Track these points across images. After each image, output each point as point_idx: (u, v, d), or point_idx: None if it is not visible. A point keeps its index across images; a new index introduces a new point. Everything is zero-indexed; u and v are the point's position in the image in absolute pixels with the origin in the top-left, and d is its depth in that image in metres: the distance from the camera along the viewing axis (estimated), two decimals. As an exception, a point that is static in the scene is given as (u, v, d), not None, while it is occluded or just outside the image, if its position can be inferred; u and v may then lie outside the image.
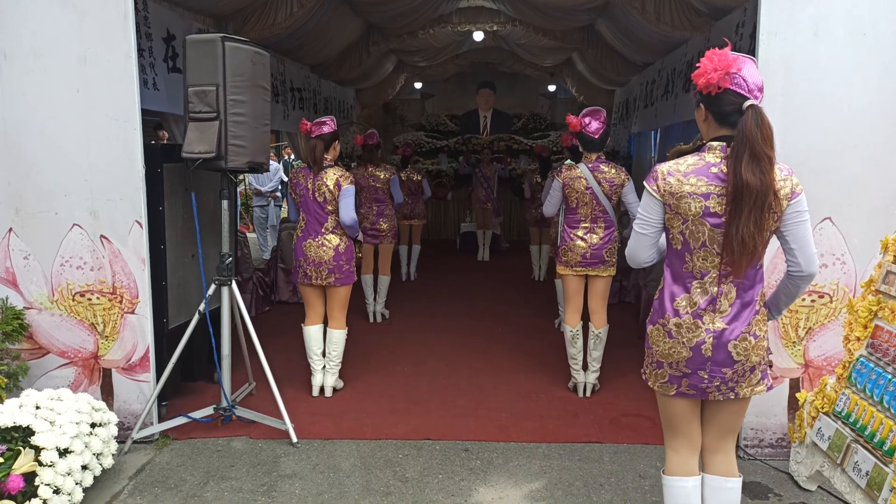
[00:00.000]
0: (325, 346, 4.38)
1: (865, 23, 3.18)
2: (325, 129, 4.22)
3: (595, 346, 4.30)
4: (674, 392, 2.25)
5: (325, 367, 4.38)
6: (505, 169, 10.90)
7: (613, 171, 4.17)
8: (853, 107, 3.21)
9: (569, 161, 4.95)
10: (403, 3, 7.66)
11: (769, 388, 2.30)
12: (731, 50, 2.09)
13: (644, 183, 2.22)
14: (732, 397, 2.23)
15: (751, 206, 2.02)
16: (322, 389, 4.37)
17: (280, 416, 3.72)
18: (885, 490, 2.50)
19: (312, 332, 4.33)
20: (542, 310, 6.53)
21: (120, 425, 3.41)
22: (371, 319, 6.33)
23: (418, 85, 13.18)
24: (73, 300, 3.68)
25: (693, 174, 2.12)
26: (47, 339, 3.71)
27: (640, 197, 2.37)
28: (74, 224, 3.62)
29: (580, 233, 4.19)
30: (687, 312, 2.17)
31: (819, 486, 3.10)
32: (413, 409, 4.13)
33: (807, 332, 3.39)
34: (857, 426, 2.80)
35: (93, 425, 3.19)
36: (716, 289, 2.15)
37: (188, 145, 3.53)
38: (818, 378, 3.37)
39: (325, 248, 4.20)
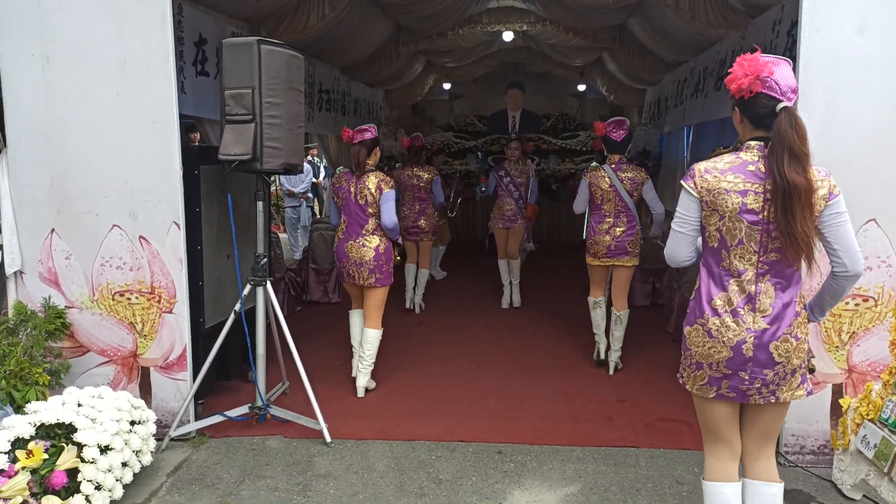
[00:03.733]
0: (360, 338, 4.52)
1: (912, 19, 3.09)
2: (367, 136, 4.41)
3: (616, 328, 4.77)
4: (713, 395, 2.22)
5: (359, 370, 4.45)
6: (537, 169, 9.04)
7: (633, 171, 4.71)
8: (899, 105, 3.13)
9: (594, 163, 5.69)
10: (433, 4, 7.66)
11: (809, 393, 2.27)
12: (765, 52, 2.10)
13: (682, 182, 2.24)
14: (773, 401, 2.19)
15: (801, 204, 2.04)
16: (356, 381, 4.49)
17: (314, 416, 3.74)
18: (935, 500, 2.43)
19: (357, 317, 4.62)
20: (574, 313, 6.47)
21: (158, 423, 3.46)
22: (408, 306, 6.73)
23: (447, 86, 13.19)
24: (113, 299, 3.75)
25: (730, 171, 2.14)
26: (88, 338, 3.78)
27: (666, 200, 2.44)
28: (114, 225, 3.69)
29: (605, 227, 4.69)
30: (726, 311, 2.16)
31: (864, 496, 3.01)
32: (445, 410, 4.13)
33: (850, 337, 3.31)
34: (905, 434, 2.72)
35: (132, 423, 3.24)
36: (753, 287, 2.14)
37: (225, 147, 3.57)
38: (862, 384, 3.29)
39: (366, 248, 4.32)
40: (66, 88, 3.61)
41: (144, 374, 3.81)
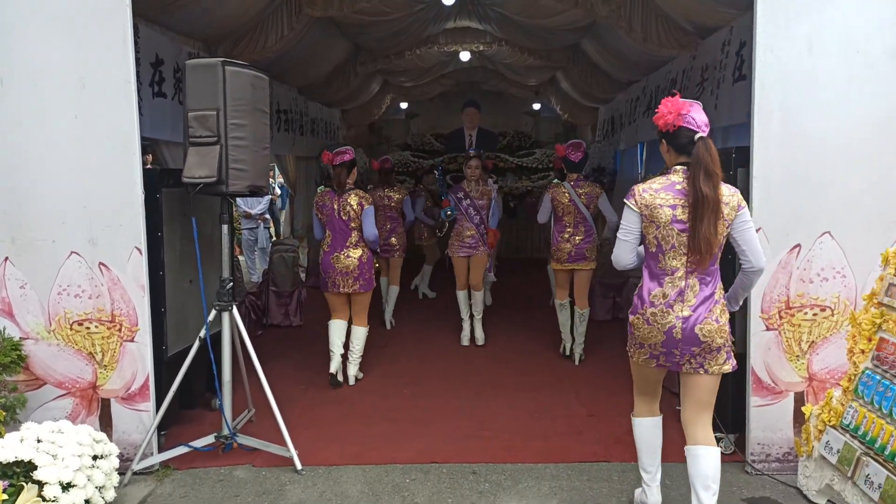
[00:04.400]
0: (347, 340, 5.02)
1: (858, 39, 3.26)
2: (346, 158, 4.92)
3: (579, 324, 5.47)
4: (654, 365, 2.81)
5: (343, 354, 4.98)
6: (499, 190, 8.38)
7: (590, 187, 5.40)
8: (849, 120, 3.28)
9: (556, 180, 6.13)
10: (391, 25, 7.72)
11: (734, 368, 2.78)
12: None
13: (624, 200, 2.79)
14: (702, 372, 2.72)
15: (709, 213, 2.59)
16: (336, 374, 4.96)
17: (283, 443, 3.66)
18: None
19: (337, 324, 5.00)
20: (540, 328, 6.52)
21: (119, 456, 3.33)
22: (388, 326, 6.86)
23: (404, 105, 13.24)
24: (71, 329, 3.62)
25: (662, 190, 2.71)
26: (44, 370, 3.63)
27: (619, 212, 2.94)
28: (72, 252, 3.57)
29: (566, 236, 5.35)
30: (661, 303, 2.70)
31: (829, 500, 3.10)
32: (417, 432, 4.10)
33: (809, 346, 3.43)
34: (867, 439, 2.82)
35: (94, 458, 3.11)
36: (683, 283, 2.69)
37: (188, 170, 3.51)
38: (823, 391, 3.40)
39: (350, 259, 4.87)
40: (20, 112, 3.49)
41: (105, 406, 3.67)
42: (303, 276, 8.80)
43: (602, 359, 5.44)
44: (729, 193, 2.66)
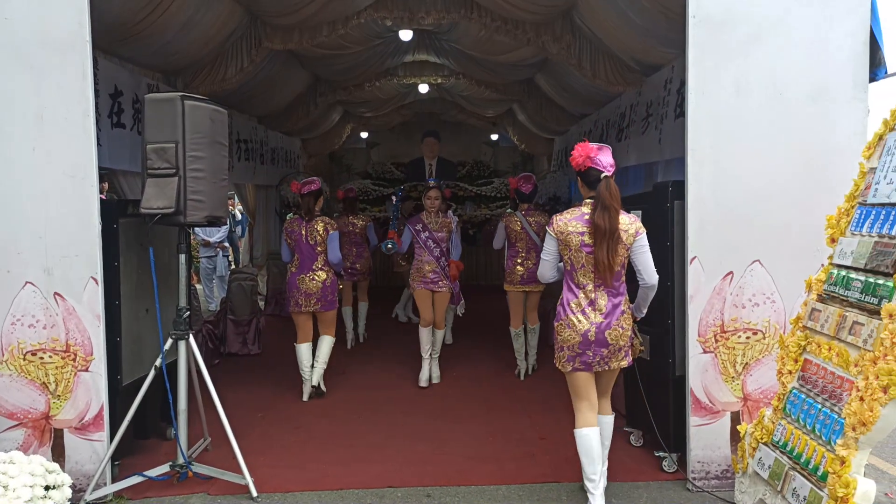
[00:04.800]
0: (313, 357, 5.40)
1: (780, 83, 3.53)
2: (314, 187, 5.36)
3: (531, 337, 5.96)
4: (570, 368, 3.31)
5: (312, 369, 5.38)
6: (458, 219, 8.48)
7: (540, 216, 5.74)
8: (774, 158, 3.53)
9: (509, 210, 6.71)
10: (350, 58, 7.90)
11: (630, 364, 3.42)
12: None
13: (546, 227, 3.37)
14: (607, 368, 3.33)
15: (606, 239, 3.16)
16: (311, 395, 5.40)
17: (239, 470, 3.69)
18: (821, 512, 2.70)
19: (303, 349, 5.37)
20: (496, 353, 6.65)
21: (72, 487, 3.31)
22: (350, 346, 7.21)
23: (364, 134, 13.41)
24: (25, 359, 3.61)
25: (573, 220, 3.28)
26: (-5, 401, 3.61)
27: None
28: (27, 282, 3.58)
29: (518, 260, 5.74)
30: (578, 310, 3.27)
31: (763, 514, 3.28)
32: (373, 457, 4.16)
33: (744, 368, 3.63)
34: (794, 454, 3.01)
35: (47, 488, 3.11)
36: (593, 295, 3.27)
37: (146, 201, 3.57)
38: (756, 410, 3.60)
39: (314, 281, 5.26)
40: (-24, 143, 3.52)
41: (57, 436, 3.66)
42: (262, 304, 8.80)
43: (554, 382, 5.57)
44: (628, 222, 3.23)
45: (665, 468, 3.86)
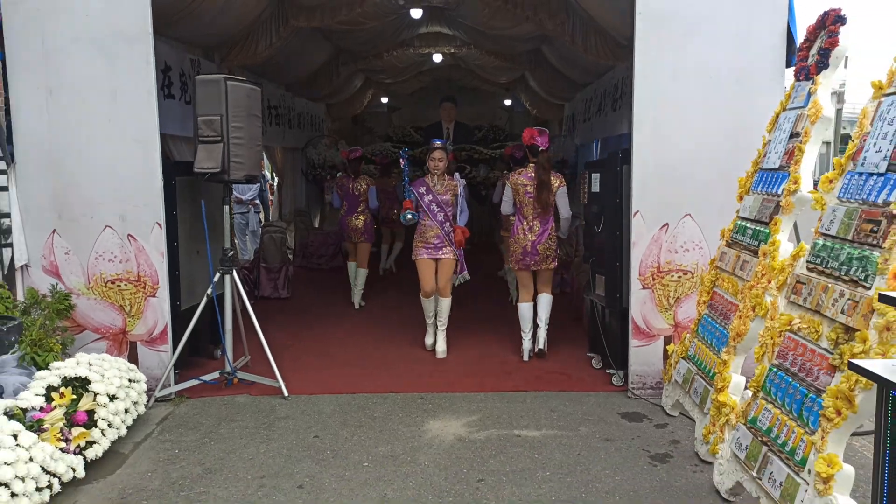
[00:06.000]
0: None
1: (710, 68, 4.28)
2: (357, 154, 7.58)
3: (542, 310, 5.47)
4: (517, 267, 5.38)
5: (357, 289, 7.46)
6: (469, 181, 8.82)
7: (554, 177, 5.35)
8: (704, 130, 4.31)
9: (507, 172, 6.74)
10: (369, 32, 8.66)
11: (555, 266, 5.40)
12: None
13: (505, 180, 5.38)
14: (543, 268, 5.31)
15: (543, 190, 5.17)
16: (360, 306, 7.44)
17: (274, 377, 4.67)
18: (707, 402, 3.58)
19: (352, 266, 7.55)
20: (492, 296, 7.56)
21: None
22: (356, 307, 7.49)
23: (385, 99, 14.15)
24: (106, 286, 4.60)
25: (522, 177, 5.27)
26: (84, 319, 4.62)
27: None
28: (107, 226, 4.54)
29: (525, 227, 5.36)
30: (522, 232, 5.27)
31: (680, 413, 4.16)
32: (381, 373, 5.13)
33: (675, 301, 4.48)
34: (700, 364, 3.88)
35: (130, 381, 4.12)
36: (532, 223, 5.26)
37: (199, 163, 4.49)
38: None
39: (358, 220, 7.38)
40: (65, 115, 4.45)
41: (132, 347, 4.66)
42: (290, 256, 9.79)
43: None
44: (556, 179, 5.29)
45: (614, 382, 4.75)
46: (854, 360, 2.11)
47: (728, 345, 3.53)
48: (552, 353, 5.50)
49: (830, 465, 2.38)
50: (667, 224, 4.41)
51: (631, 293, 4.48)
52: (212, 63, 6.77)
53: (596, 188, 4.91)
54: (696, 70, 4.28)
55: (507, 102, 14.36)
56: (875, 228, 2.52)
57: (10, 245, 4.50)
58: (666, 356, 4.43)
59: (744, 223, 3.80)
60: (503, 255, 7.50)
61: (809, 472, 2.48)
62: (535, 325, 5.43)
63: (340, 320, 6.83)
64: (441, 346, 5.62)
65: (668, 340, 4.50)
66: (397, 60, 10.59)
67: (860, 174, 2.72)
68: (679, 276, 4.45)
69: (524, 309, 5.43)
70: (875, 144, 2.67)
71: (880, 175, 2.58)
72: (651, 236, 4.41)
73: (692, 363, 3.96)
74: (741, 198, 3.96)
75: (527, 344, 5.43)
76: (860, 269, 2.53)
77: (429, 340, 5.79)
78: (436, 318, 5.69)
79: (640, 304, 4.47)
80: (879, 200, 2.55)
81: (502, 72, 11.47)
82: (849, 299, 2.53)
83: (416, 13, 7.81)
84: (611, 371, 4.80)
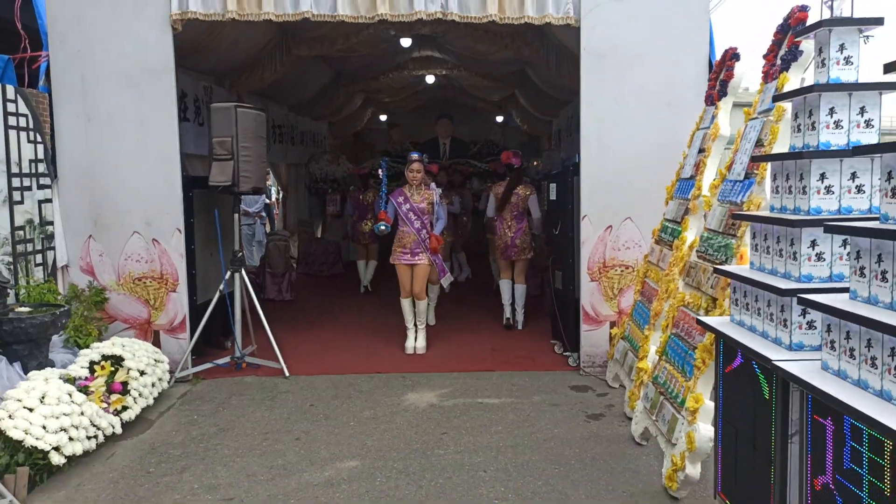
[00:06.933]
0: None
1: (646, 94, 5.06)
2: (364, 171, 9.33)
3: (518, 297, 6.93)
4: (501, 257, 6.83)
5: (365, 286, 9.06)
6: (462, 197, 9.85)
7: (525, 188, 6.83)
8: (641, 147, 5.07)
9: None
10: (365, 57, 9.50)
11: (530, 258, 6.74)
12: None
13: (489, 191, 6.60)
14: (521, 258, 6.70)
15: (516, 197, 6.65)
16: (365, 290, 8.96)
17: (277, 361, 5.44)
18: (633, 372, 4.32)
19: (361, 264, 9.19)
20: (476, 293, 8.32)
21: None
22: (362, 290, 9.21)
23: (384, 117, 14.99)
24: (134, 283, 5.39)
25: (499, 187, 6.79)
26: (115, 311, 5.40)
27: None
28: (135, 231, 5.34)
29: (505, 227, 6.83)
30: (504, 230, 6.70)
31: (620, 385, 4.90)
32: (370, 358, 5.90)
33: (619, 292, 5.23)
34: (632, 342, 4.62)
35: (155, 361, 4.89)
36: (510, 223, 6.69)
37: (213, 177, 5.29)
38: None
39: (366, 225, 8.88)
40: (100, 138, 5.26)
41: (156, 335, 5.44)
42: (294, 263, 10.58)
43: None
44: (527, 189, 6.73)
45: (570, 363, 5.50)
46: (700, 317, 2.86)
47: (649, 322, 4.28)
48: (522, 341, 6.27)
49: (697, 401, 3.12)
50: (611, 226, 5.17)
51: (581, 285, 5.24)
52: (222, 89, 7.60)
53: (553, 196, 5.68)
54: (633, 96, 5.07)
55: (500, 119, 15.16)
56: (735, 223, 3.28)
57: (53, 248, 5.30)
58: (610, 338, 5.17)
59: (667, 223, 4.56)
60: (489, 247, 8.20)
61: (685, 408, 3.23)
62: (513, 308, 6.91)
63: (337, 318, 7.60)
64: (421, 343, 6.09)
65: (612, 325, 5.25)
66: (393, 82, 11.43)
67: (731, 181, 3.49)
68: (621, 271, 5.21)
69: (504, 285, 6.98)
70: (739, 158, 3.43)
71: (740, 181, 3.35)
72: (597, 236, 5.17)
73: (627, 341, 4.71)
74: (666, 203, 4.72)
75: (507, 311, 6.95)
76: (724, 253, 3.29)
77: (409, 344, 6.09)
78: (415, 318, 6.14)
79: (589, 295, 5.23)
80: (738, 200, 3.31)
81: (492, 91, 12.29)
82: (716, 277, 3.28)
83: (406, 42, 8.63)
84: (566, 354, 5.55)
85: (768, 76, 3.44)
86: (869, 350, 1.87)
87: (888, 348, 1.79)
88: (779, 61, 3.31)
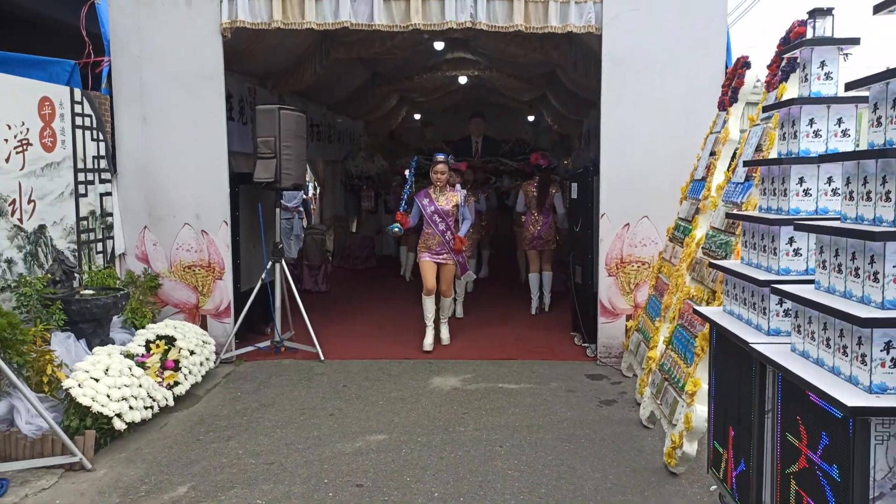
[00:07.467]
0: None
1: (663, 102, 5.31)
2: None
3: (546, 282, 7.63)
4: (528, 248, 7.52)
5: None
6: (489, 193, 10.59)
7: (553, 186, 7.53)
8: (658, 149, 5.33)
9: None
10: (400, 59, 9.88)
11: (555, 248, 7.47)
12: None
13: (519, 189, 7.36)
14: (545, 250, 7.42)
15: (544, 194, 7.31)
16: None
17: (313, 345, 5.85)
18: (644, 360, 4.60)
19: (403, 250, 9.90)
20: (513, 284, 8.64)
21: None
22: (402, 273, 10.00)
23: (418, 115, 15.37)
24: (184, 271, 5.85)
25: (530, 186, 7.43)
26: (167, 296, 5.87)
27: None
28: (185, 223, 5.79)
29: (532, 221, 7.55)
30: (531, 224, 7.44)
31: (634, 375, 5.18)
32: (400, 346, 6.26)
33: (635, 286, 5.50)
34: (645, 333, 4.90)
35: (203, 342, 5.33)
36: (537, 217, 7.44)
37: (258, 174, 5.72)
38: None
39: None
40: (156, 137, 5.72)
41: (203, 319, 5.90)
42: (329, 256, 11.03)
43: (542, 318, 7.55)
44: (553, 187, 7.30)
45: (588, 354, 5.80)
46: (696, 307, 3.15)
47: (660, 315, 4.56)
48: (544, 333, 6.57)
49: (695, 385, 3.41)
50: (628, 224, 5.45)
51: (599, 280, 5.52)
52: (265, 90, 8.05)
53: (574, 195, 5.97)
54: (653, 103, 5.33)
55: (531, 118, 15.40)
56: (734, 221, 3.55)
57: (112, 238, 5.79)
58: (626, 330, 5.45)
59: (680, 222, 4.82)
60: (517, 241, 8.96)
61: (684, 391, 3.52)
62: (541, 293, 7.57)
63: (369, 308, 8.00)
64: (445, 335, 6.26)
65: (628, 318, 5.52)
66: (427, 82, 11.78)
67: (734, 183, 3.75)
68: (638, 266, 5.48)
69: (533, 278, 7.59)
70: (742, 162, 3.69)
71: (741, 183, 3.61)
72: (615, 234, 5.45)
73: (640, 333, 4.99)
74: (681, 202, 4.98)
75: (535, 303, 7.56)
76: (725, 250, 3.56)
77: (427, 342, 6.05)
78: (438, 313, 6.24)
79: (607, 289, 5.51)
80: (739, 201, 3.58)
81: (523, 91, 12.55)
82: (715, 271, 3.55)
83: (439, 45, 8.96)
84: (585, 345, 5.84)
85: (770, 86, 3.69)
86: (825, 332, 2.16)
87: (838, 330, 2.08)
88: (780, 73, 3.56)
